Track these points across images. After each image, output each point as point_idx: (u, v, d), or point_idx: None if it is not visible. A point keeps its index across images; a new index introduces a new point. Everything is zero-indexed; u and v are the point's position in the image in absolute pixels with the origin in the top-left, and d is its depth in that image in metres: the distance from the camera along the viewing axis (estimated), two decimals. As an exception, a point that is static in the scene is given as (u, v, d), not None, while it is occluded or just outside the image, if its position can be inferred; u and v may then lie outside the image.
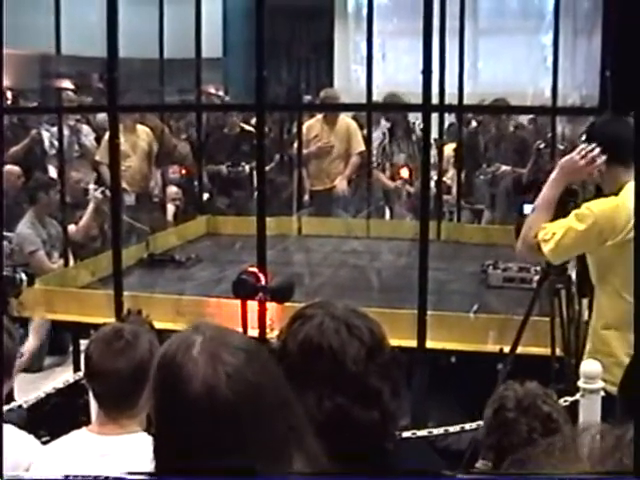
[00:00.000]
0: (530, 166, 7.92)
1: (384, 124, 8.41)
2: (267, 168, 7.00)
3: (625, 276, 3.64)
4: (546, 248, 3.71)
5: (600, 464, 1.03)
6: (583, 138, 3.88)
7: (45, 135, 8.84)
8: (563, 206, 4.09)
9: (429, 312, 4.60)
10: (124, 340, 2.60)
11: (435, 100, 6.34)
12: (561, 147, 7.44)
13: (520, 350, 4.39)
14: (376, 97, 8.11)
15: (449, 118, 8.97)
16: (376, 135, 8.23)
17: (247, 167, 8.67)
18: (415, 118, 8.07)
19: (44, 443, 2.94)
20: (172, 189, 8.57)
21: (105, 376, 2.57)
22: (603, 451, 1.05)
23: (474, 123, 9.42)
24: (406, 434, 3.77)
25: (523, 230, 3.84)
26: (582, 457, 1.05)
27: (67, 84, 8.96)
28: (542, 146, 7.99)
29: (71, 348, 6.30)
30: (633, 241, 3.60)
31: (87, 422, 2.81)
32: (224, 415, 1.36)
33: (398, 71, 10.57)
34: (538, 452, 1.11)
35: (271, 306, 3.75)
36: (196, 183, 8.55)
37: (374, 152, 8.13)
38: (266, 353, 1.49)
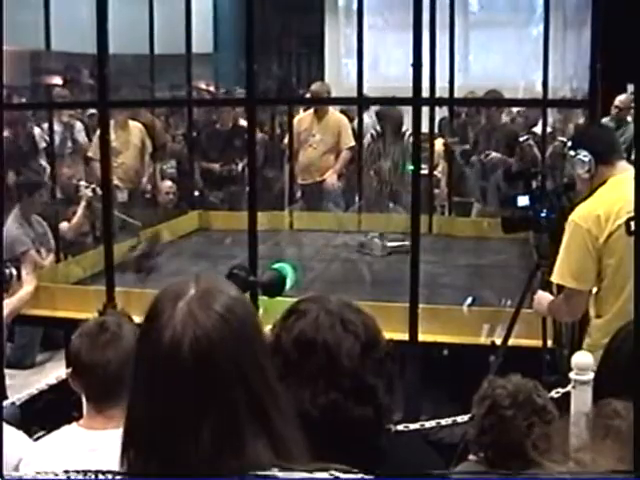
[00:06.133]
0: (516, 158, 7.97)
1: (373, 121, 8.45)
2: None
3: (624, 269, 3.70)
4: (566, 281, 3.87)
5: (627, 441, 1.04)
6: (569, 144, 4.07)
7: (37, 131, 8.82)
8: (558, 197, 4.24)
9: (421, 305, 4.61)
10: (110, 332, 2.61)
11: (426, 94, 6.35)
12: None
13: (512, 342, 4.41)
14: (366, 91, 8.12)
15: (441, 112, 8.98)
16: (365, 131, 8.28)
17: (240, 165, 8.66)
18: (406, 127, 8.03)
19: (37, 440, 2.94)
20: (166, 183, 8.56)
21: (95, 370, 2.57)
22: (630, 427, 1.05)
23: (463, 116, 9.42)
24: (399, 427, 3.78)
25: (550, 313, 4.22)
26: (609, 433, 1.06)
27: (57, 80, 8.96)
28: (523, 138, 8.11)
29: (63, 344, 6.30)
30: (624, 226, 3.69)
31: (80, 418, 2.80)
32: (182, 375, 1.37)
33: (389, 65, 10.56)
34: (558, 429, 1.12)
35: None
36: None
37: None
38: (249, 325, 1.45)
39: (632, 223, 3.69)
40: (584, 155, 3.89)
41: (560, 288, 4.03)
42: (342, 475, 1.38)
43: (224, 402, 1.37)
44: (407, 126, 8.01)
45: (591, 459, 1.04)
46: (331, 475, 1.37)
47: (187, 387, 1.37)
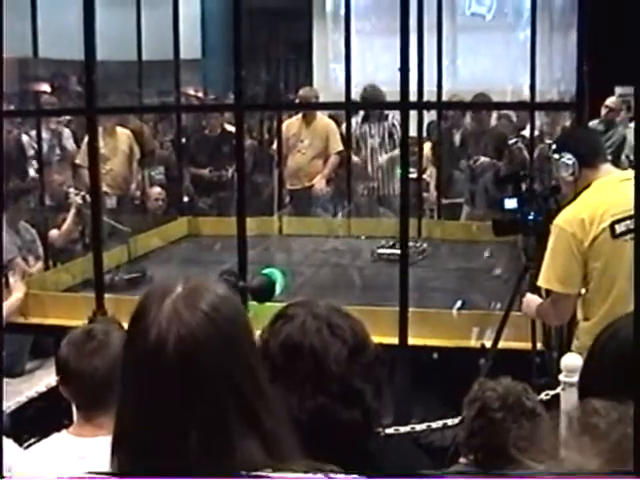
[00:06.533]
0: (506, 161, 8.00)
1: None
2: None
3: (610, 272, 3.71)
4: (552, 286, 3.87)
5: (605, 438, 1.05)
6: (554, 147, 4.06)
7: (25, 139, 8.81)
8: (545, 200, 4.25)
9: (411, 309, 4.62)
10: (97, 340, 2.60)
11: (414, 98, 6.38)
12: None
13: (501, 345, 4.42)
14: (354, 96, 8.13)
15: (429, 116, 9.01)
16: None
17: (229, 171, 8.66)
18: (393, 116, 8.10)
19: (27, 448, 2.93)
20: (155, 189, 8.56)
21: (82, 378, 2.57)
22: (609, 425, 1.06)
23: (451, 119, 9.45)
24: (389, 431, 3.78)
25: (538, 317, 4.23)
26: (587, 429, 1.07)
27: (45, 87, 8.94)
28: (512, 141, 8.17)
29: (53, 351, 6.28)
30: (609, 230, 3.70)
31: (70, 425, 2.80)
32: (167, 375, 1.36)
33: (377, 70, 10.58)
34: (542, 428, 1.13)
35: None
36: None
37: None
38: (237, 325, 1.43)
39: (617, 226, 3.70)
40: (568, 158, 3.88)
41: (548, 291, 4.04)
42: (337, 476, 1.38)
43: (211, 402, 1.36)
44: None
45: (568, 455, 1.05)
46: (326, 476, 1.36)
47: (173, 386, 1.36)
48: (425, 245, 6.77)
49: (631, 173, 4.17)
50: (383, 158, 8.19)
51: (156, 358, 1.36)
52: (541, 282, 3.92)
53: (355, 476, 1.43)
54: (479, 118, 8.82)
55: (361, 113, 8.45)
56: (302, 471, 1.37)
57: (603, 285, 3.77)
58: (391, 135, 8.14)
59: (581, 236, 3.74)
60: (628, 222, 3.66)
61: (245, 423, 1.37)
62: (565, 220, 3.80)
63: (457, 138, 8.92)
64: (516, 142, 8.30)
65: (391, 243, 6.58)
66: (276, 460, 1.37)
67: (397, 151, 7.72)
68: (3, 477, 1.77)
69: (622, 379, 1.35)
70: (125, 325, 2.70)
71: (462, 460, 3.06)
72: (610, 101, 9.45)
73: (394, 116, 8.05)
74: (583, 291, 3.91)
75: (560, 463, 1.05)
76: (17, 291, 5.51)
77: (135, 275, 6.22)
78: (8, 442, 2.89)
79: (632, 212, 3.60)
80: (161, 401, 1.37)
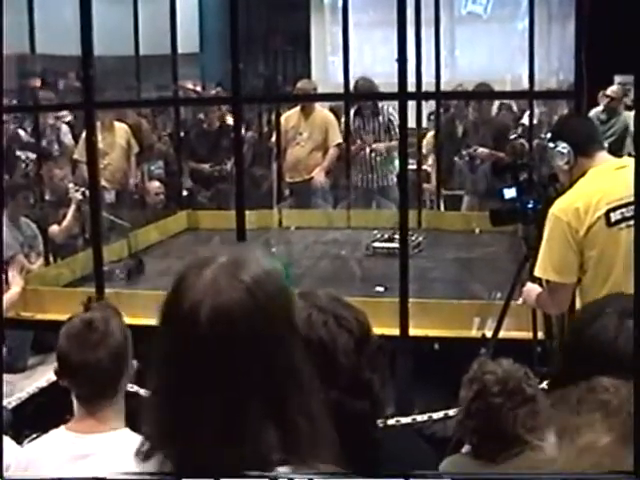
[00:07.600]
0: (506, 153, 8.00)
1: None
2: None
3: (606, 261, 3.70)
4: (548, 275, 3.84)
5: (617, 414, 1.06)
6: (549, 136, 4.05)
7: (22, 134, 8.81)
8: (545, 188, 4.23)
9: (411, 300, 4.62)
10: (99, 331, 2.54)
11: (413, 89, 6.38)
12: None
13: (502, 335, 4.42)
14: (353, 88, 8.11)
15: (431, 108, 9.00)
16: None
17: (229, 165, 8.65)
18: (393, 108, 8.07)
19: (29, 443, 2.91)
20: (154, 184, 8.56)
21: (86, 370, 2.49)
22: (620, 401, 1.07)
23: (451, 110, 9.44)
24: (390, 422, 3.78)
25: (538, 306, 4.18)
26: (599, 407, 1.08)
27: (43, 83, 8.93)
28: (514, 136, 8.18)
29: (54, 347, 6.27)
30: (604, 218, 3.68)
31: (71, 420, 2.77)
32: (198, 343, 1.30)
33: (375, 62, 10.58)
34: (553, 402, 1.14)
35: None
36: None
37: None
38: (277, 302, 1.35)
39: (612, 214, 3.69)
40: (563, 147, 3.87)
41: (547, 280, 4.04)
42: None
43: (238, 379, 1.30)
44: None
45: (579, 433, 1.06)
46: None
47: (201, 356, 1.30)
48: (421, 238, 6.75)
49: (626, 161, 4.16)
50: (380, 146, 8.13)
51: (189, 324, 1.31)
52: (537, 272, 3.90)
53: None
54: (480, 108, 8.81)
55: (354, 107, 8.43)
56: (312, 473, 1.31)
57: (599, 274, 3.75)
58: (387, 130, 8.09)
59: (576, 225, 3.73)
60: (623, 210, 3.65)
61: (269, 408, 1.31)
62: (560, 209, 3.79)
63: (460, 129, 8.90)
64: (518, 137, 8.30)
65: (386, 236, 6.56)
66: (293, 456, 1.31)
67: (393, 142, 7.71)
68: (3, 477, 1.76)
69: (636, 373, 1.35)
70: (122, 313, 2.69)
71: (464, 450, 3.05)
72: (611, 90, 9.44)
73: (389, 111, 8.00)
74: (582, 279, 3.90)
75: (572, 441, 1.05)
76: (15, 285, 5.51)
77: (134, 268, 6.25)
78: (5, 439, 2.87)
79: (627, 200, 3.61)
80: (187, 370, 1.32)
